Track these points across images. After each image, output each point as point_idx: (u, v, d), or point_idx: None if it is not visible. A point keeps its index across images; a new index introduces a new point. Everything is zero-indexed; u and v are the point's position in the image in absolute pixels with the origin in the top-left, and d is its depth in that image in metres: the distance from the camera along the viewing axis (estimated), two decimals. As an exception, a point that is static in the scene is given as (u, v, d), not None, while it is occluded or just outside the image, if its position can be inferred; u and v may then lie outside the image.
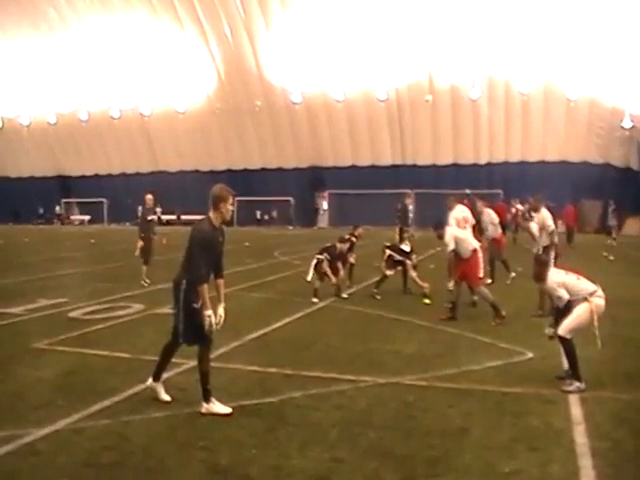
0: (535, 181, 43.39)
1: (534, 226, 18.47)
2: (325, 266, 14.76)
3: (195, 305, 6.96)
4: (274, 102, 51.21)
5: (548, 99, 45.27)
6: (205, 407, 6.91)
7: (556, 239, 14.13)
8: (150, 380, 7.40)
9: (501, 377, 8.30)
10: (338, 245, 15.30)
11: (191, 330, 7.04)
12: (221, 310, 7.12)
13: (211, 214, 7.19)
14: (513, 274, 17.68)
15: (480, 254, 12.73)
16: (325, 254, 14.96)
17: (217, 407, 6.90)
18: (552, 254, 13.58)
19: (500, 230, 18.12)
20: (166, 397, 7.32)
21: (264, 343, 10.31)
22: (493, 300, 12.29)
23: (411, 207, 35.12)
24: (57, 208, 61.95)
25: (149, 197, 18.15)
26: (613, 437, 6.30)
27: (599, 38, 41.00)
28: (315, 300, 14.26)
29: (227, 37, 50.00)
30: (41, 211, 62.26)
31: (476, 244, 12.81)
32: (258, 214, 54.14)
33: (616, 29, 39.96)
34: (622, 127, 44.53)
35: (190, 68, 52.42)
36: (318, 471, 5.53)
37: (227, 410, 6.89)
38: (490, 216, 17.81)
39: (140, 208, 51.24)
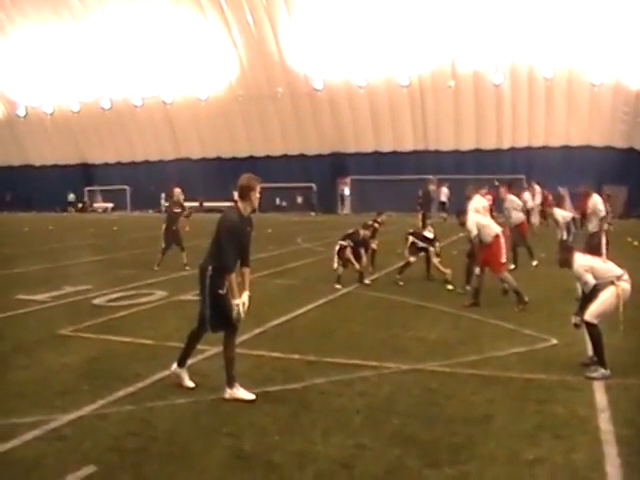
0: (558, 166, 43.12)
1: (558, 212, 18.39)
2: (348, 252, 14.75)
3: (221, 291, 6.96)
4: (296, 89, 51.05)
5: (572, 84, 44.75)
6: (229, 393, 6.94)
7: (606, 225, 14.09)
8: (175, 366, 7.43)
9: (525, 364, 8.26)
10: (361, 232, 15.28)
11: (217, 317, 7.05)
12: (245, 297, 7.10)
13: (239, 203, 7.26)
14: (535, 262, 17.58)
15: (502, 240, 12.65)
16: (348, 240, 14.94)
17: (241, 393, 6.92)
18: (603, 239, 13.56)
19: (523, 216, 18.03)
20: (190, 383, 7.35)
21: (287, 330, 10.33)
22: (516, 286, 12.23)
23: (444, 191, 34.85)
24: (70, 196, 62.07)
25: (177, 190, 18.39)
26: (638, 424, 6.25)
27: (623, 22, 40.47)
28: (338, 286, 14.27)
29: (249, 24, 49.86)
30: (71, 197, 62.52)
31: (498, 229, 12.73)
32: (277, 200, 53.98)
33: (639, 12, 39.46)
34: (647, 112, 43.99)
35: (212, 55, 52.34)
36: (342, 457, 5.54)
37: (250, 396, 6.90)
38: (514, 202, 17.76)
39: (163, 195, 51.74)
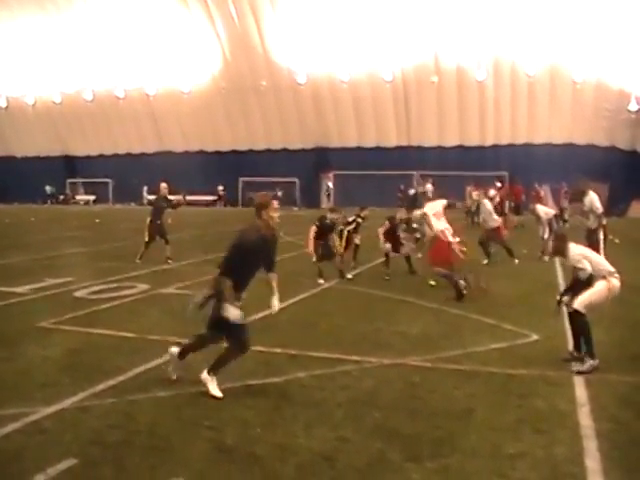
0: (541, 163, 43.33)
1: (541, 209, 18.53)
2: (311, 233, 14.69)
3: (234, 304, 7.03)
4: (279, 82, 50.96)
5: (554, 81, 44.94)
6: (204, 376, 6.93)
7: (604, 221, 14.20)
8: (175, 348, 7.41)
9: (506, 359, 8.31)
10: (328, 215, 15.24)
11: (228, 328, 7.06)
12: (275, 301, 7.45)
13: (257, 221, 7.18)
14: (517, 260, 17.73)
15: (445, 239, 12.94)
16: (317, 222, 14.89)
17: (212, 387, 6.89)
18: (601, 235, 13.67)
19: (497, 218, 18.36)
20: (173, 376, 7.30)
21: (270, 323, 10.27)
22: (455, 281, 12.47)
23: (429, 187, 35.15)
24: (47, 188, 61.64)
25: (163, 185, 18.43)
26: (618, 419, 6.31)
27: (606, 20, 40.66)
28: (321, 281, 14.27)
29: (232, 16, 49.67)
30: (48, 190, 62.09)
31: (441, 227, 13.02)
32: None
33: (623, 12, 39.61)
34: (628, 110, 44.28)
35: (195, 48, 52.14)
36: (323, 450, 5.56)
37: (218, 394, 6.83)
38: (486, 207, 18.16)
39: (145, 188, 51.55)
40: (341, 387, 7.17)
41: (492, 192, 33.06)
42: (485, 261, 17.46)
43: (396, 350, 8.66)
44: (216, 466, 5.30)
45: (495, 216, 18.31)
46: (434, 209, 13.51)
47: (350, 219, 16.30)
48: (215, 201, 55.56)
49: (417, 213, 14.06)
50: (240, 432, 5.92)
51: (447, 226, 13.20)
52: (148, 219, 17.78)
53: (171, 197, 19.12)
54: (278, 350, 8.59)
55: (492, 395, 6.99)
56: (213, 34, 51.02)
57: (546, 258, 17.61)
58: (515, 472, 5.22)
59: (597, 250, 13.11)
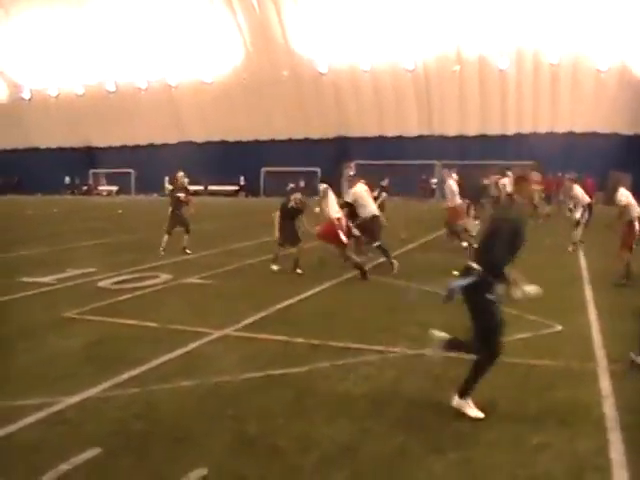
0: (564, 152, 42.98)
1: (579, 190, 18.71)
2: (275, 220, 14.93)
3: (489, 297, 6.20)
4: (300, 73, 50.95)
5: (577, 69, 44.56)
6: (457, 402, 6.19)
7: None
8: (456, 398, 6.26)
9: (529, 349, 8.24)
10: (292, 197, 15.18)
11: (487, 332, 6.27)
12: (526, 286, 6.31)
13: (517, 197, 6.36)
14: (465, 243, 17.77)
15: (338, 223, 13.72)
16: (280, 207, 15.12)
17: (470, 411, 6.11)
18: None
19: (459, 200, 19.21)
20: (479, 414, 6.11)
21: (291, 314, 10.31)
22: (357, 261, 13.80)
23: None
24: (66, 179, 62.04)
25: (180, 174, 18.35)
26: (643, 411, 6.24)
27: (629, 8, 40.19)
28: (274, 267, 14.56)
29: (254, 7, 49.71)
30: (67, 180, 62.53)
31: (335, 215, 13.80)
32: (281, 184, 53.84)
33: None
34: (653, 98, 43.78)
35: (217, 39, 52.23)
36: (346, 441, 5.53)
37: (479, 415, 6.07)
38: (451, 187, 19.25)
39: (167, 179, 51.78)
40: (363, 377, 7.15)
41: (505, 180, 33.19)
42: (464, 244, 17.73)
43: (419, 340, 8.61)
44: (238, 457, 5.29)
45: (458, 198, 19.12)
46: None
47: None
48: (237, 191, 55.65)
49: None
50: (262, 423, 5.91)
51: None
52: (169, 209, 17.80)
53: (191, 187, 19.07)
54: (300, 340, 8.57)
55: (515, 386, 6.94)
56: (234, 25, 51.08)
57: (570, 249, 17.54)
58: (538, 464, 5.17)
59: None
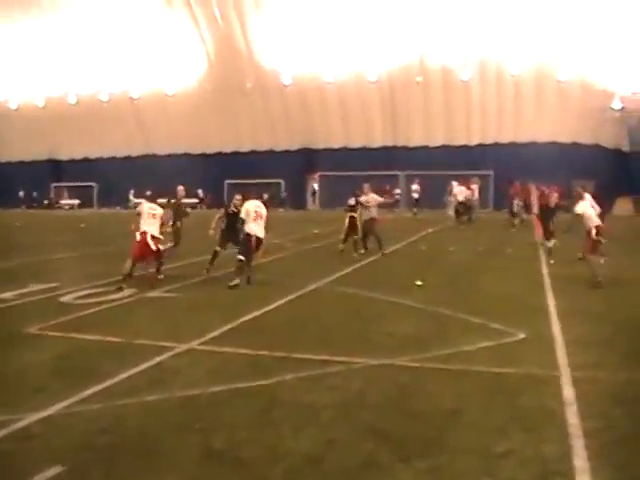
0: (526, 162, 43.47)
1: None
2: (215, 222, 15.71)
3: None
4: (265, 84, 50.97)
5: (539, 80, 45.17)
6: None
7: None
8: None
9: (493, 358, 8.33)
10: (233, 202, 15.99)
11: None
12: None
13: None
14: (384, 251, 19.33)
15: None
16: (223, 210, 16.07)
17: None
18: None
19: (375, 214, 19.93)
20: None
21: (257, 326, 10.30)
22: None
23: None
24: (20, 193, 61.44)
25: (180, 188, 19.69)
26: (606, 417, 6.33)
27: (589, 20, 40.87)
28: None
29: (217, 19, 49.67)
30: (21, 194, 61.92)
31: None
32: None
33: (606, 11, 39.81)
34: (612, 109, 44.54)
35: (180, 50, 52.09)
36: (313, 452, 5.54)
37: None
38: (375, 199, 19.97)
39: (132, 192, 51.55)
40: (329, 388, 7.17)
41: (473, 186, 34.28)
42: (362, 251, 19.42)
43: (384, 350, 8.66)
44: (205, 470, 5.29)
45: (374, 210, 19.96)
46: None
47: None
48: (198, 204, 55.51)
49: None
50: (229, 435, 5.90)
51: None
52: (171, 222, 18.00)
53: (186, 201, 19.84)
54: (266, 352, 8.56)
55: (480, 394, 7.00)
56: (198, 36, 50.97)
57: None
58: (503, 471, 5.23)
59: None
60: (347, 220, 19.77)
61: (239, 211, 15.16)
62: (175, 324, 10.39)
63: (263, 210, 15.18)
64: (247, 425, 6.13)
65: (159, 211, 15.12)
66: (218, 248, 15.63)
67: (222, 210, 15.96)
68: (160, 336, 9.38)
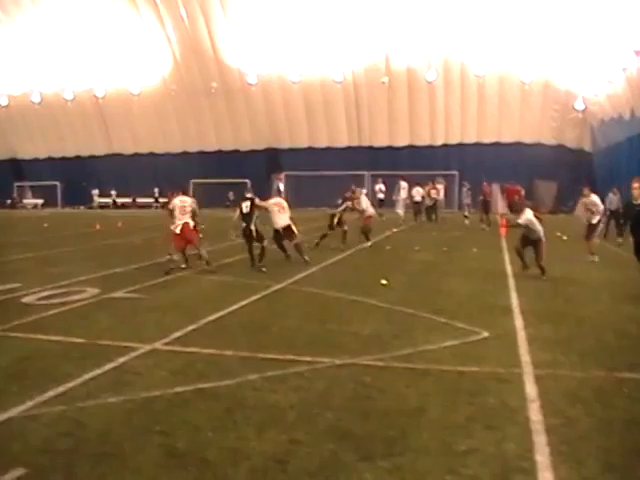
0: (491, 162, 43.89)
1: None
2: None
3: None
4: (230, 84, 50.76)
5: (503, 82, 45.56)
6: None
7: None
8: None
9: (457, 357, 8.38)
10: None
11: None
12: None
13: None
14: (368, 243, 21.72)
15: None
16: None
17: None
18: None
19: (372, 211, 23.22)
20: None
21: (221, 326, 10.26)
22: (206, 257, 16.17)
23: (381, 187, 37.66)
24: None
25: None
26: (567, 414, 6.41)
27: (553, 23, 41.29)
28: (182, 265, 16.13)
29: (182, 18, 49.35)
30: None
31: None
32: (211, 196, 53.71)
33: (569, 15, 40.22)
34: (575, 109, 45.11)
35: (145, 49, 51.67)
36: (276, 453, 5.53)
37: None
38: (367, 201, 23.17)
39: (96, 192, 51.14)
40: (293, 389, 7.16)
41: (439, 186, 34.83)
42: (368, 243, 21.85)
43: (348, 350, 8.68)
44: (168, 472, 5.25)
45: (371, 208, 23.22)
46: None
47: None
48: (166, 203, 55.13)
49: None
50: (191, 437, 5.87)
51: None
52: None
53: (120, 200, 19.37)
54: (230, 352, 8.53)
55: (443, 393, 7.04)
56: (163, 36, 50.62)
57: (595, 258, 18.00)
58: (466, 469, 5.27)
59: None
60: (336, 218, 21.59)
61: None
62: (138, 324, 10.31)
63: (188, 204, 16.65)
64: (210, 426, 6.10)
65: (189, 201, 16.80)
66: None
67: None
68: (123, 337, 9.31)
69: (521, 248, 15.36)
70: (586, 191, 18.39)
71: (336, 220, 21.39)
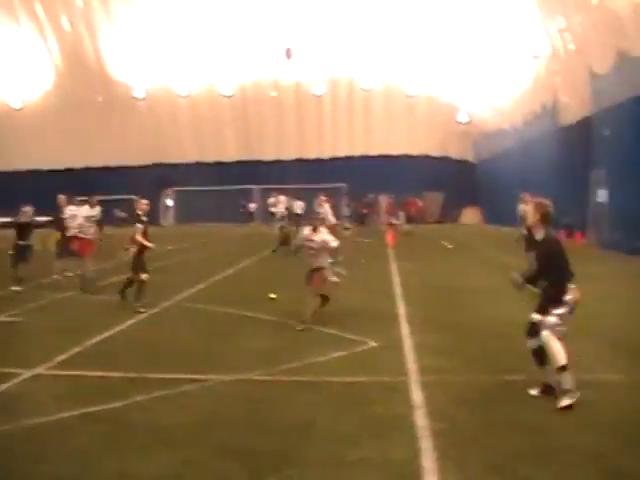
0: (378, 174, 44.78)
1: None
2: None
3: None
4: (116, 98, 49.83)
5: (389, 95, 46.66)
6: None
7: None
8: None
9: (345, 367, 8.49)
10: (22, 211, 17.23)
11: None
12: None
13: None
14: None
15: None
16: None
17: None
18: None
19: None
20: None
21: (108, 347, 10.03)
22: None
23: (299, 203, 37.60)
24: None
25: (144, 202, 16.61)
26: (452, 418, 6.60)
27: (435, 39, 42.55)
28: (16, 288, 15.53)
29: (65, 29, 48.12)
30: None
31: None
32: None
33: (451, 31, 41.49)
34: (458, 122, 46.61)
35: (25, 62, 50.08)
36: (167, 473, 5.47)
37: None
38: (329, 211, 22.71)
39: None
40: (182, 407, 7.09)
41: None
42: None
43: (237, 366, 8.65)
44: (52, 500, 5.10)
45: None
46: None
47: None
48: (52, 222, 53.49)
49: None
50: (77, 463, 5.71)
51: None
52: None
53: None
54: (117, 374, 8.37)
55: (332, 404, 7.12)
56: (45, 48, 49.20)
57: None
58: (355, 479, 5.34)
59: None
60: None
61: (30, 223, 17.27)
62: (20, 349, 9.98)
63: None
64: (97, 451, 5.96)
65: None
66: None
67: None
68: (4, 362, 8.97)
69: None
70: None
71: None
